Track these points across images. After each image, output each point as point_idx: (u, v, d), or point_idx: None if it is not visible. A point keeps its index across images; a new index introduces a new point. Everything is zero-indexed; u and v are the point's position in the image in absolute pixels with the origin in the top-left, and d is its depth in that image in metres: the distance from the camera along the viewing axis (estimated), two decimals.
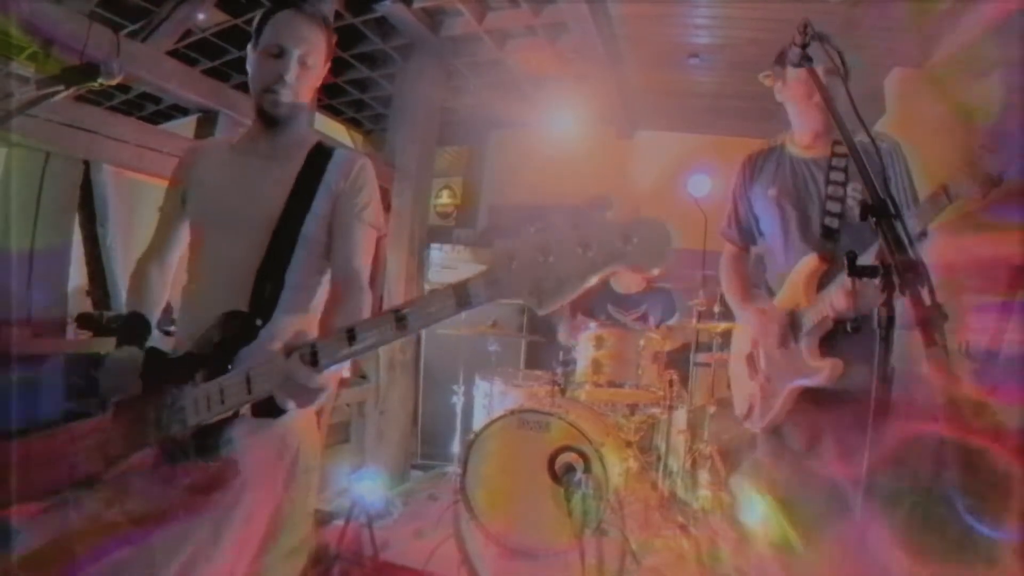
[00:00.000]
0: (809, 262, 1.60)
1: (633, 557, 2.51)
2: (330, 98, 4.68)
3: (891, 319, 0.95)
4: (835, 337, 1.54)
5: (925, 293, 0.90)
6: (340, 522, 2.36)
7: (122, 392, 1.18)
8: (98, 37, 2.00)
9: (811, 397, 1.59)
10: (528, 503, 2.57)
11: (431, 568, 2.46)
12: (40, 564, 1.04)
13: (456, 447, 3.50)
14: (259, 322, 1.17)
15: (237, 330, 1.14)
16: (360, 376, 3.85)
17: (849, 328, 1.12)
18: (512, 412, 2.74)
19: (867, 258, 1.14)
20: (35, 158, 1.90)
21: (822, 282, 1.57)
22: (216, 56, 3.79)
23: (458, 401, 3.62)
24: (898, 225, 0.99)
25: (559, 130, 4.65)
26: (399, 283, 3.83)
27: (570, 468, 2.49)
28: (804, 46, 1.33)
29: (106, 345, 1.66)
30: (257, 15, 1.33)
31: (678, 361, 3.34)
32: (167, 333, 1.51)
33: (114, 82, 1.24)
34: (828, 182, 1.62)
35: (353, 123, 5.25)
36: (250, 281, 1.19)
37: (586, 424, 2.63)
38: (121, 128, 2.16)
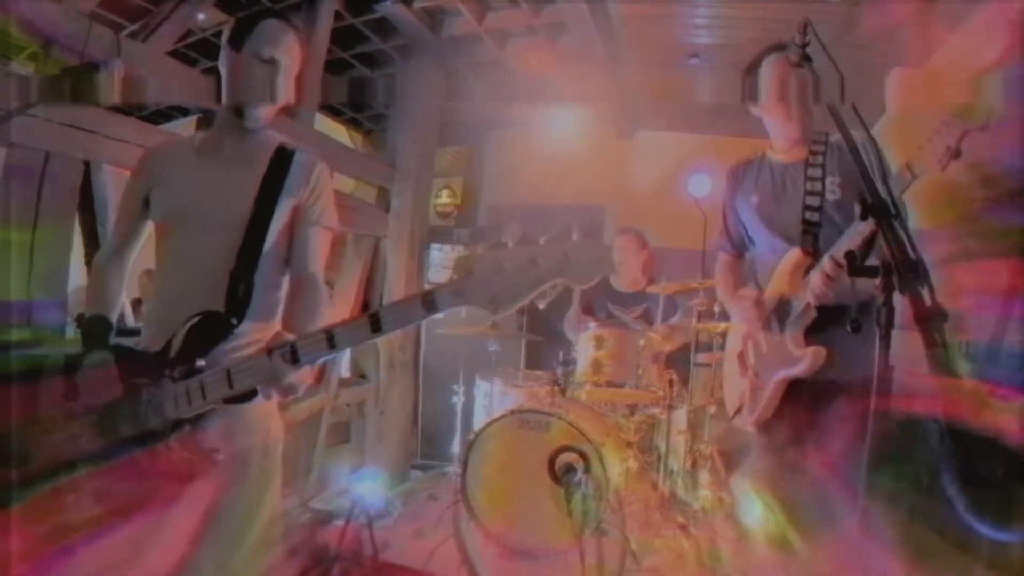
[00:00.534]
0: (794, 255, 1.64)
1: (633, 557, 2.51)
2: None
3: (891, 318, 0.95)
4: (825, 331, 1.57)
5: (925, 292, 0.91)
6: (340, 522, 2.37)
7: (102, 395, 1.19)
8: (98, 37, 2.00)
9: (799, 391, 1.62)
10: (528, 503, 2.57)
11: (431, 568, 2.46)
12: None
13: (456, 447, 3.50)
14: (234, 321, 1.22)
15: (214, 329, 1.19)
16: (360, 376, 3.85)
17: (850, 327, 1.12)
18: (512, 412, 2.74)
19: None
20: (35, 158, 1.90)
21: (805, 275, 1.60)
22: (216, 56, 3.78)
23: (458, 401, 3.62)
24: (898, 225, 0.99)
25: (559, 130, 4.65)
26: (399, 283, 3.83)
27: (570, 468, 2.49)
28: (804, 46, 1.34)
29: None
30: (235, 18, 1.37)
31: (678, 361, 3.34)
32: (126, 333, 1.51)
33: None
34: (807, 179, 1.67)
35: (353, 123, 5.25)
36: (222, 282, 1.23)
37: (586, 424, 2.63)
38: (121, 128, 2.15)
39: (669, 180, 4.26)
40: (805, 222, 1.64)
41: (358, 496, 2.45)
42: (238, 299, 1.23)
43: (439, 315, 1.05)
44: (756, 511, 1.78)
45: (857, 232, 1.32)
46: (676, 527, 2.81)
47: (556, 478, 2.51)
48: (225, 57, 1.35)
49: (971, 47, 2.64)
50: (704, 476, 3.12)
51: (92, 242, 2.64)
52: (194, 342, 1.17)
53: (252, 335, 1.27)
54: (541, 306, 4.80)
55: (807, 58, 1.34)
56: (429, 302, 1.01)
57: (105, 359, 1.21)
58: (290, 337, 1.09)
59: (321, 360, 1.09)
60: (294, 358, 1.06)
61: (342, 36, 3.68)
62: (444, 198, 5.44)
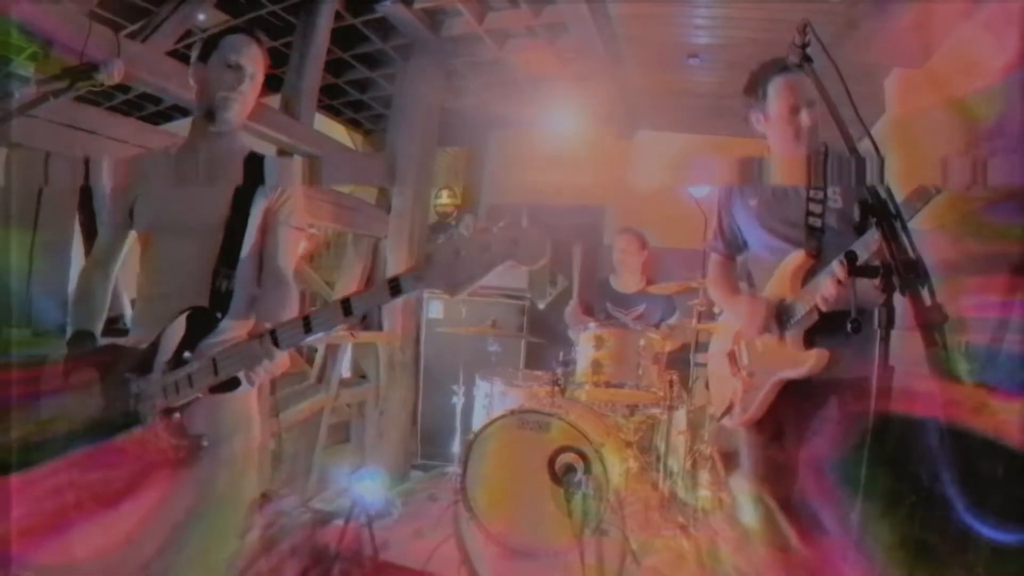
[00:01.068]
0: (796, 258, 1.64)
1: (633, 557, 2.51)
2: (330, 98, 4.68)
3: (891, 319, 0.95)
4: (818, 332, 1.57)
5: (925, 293, 0.91)
6: (340, 522, 2.36)
7: (93, 409, 1.27)
8: (98, 37, 2.00)
9: (793, 391, 1.62)
10: (528, 503, 2.57)
11: (431, 568, 2.46)
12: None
13: (456, 447, 3.50)
14: (218, 315, 1.32)
15: (201, 324, 1.28)
16: (360, 376, 3.85)
17: (850, 328, 1.12)
18: (512, 412, 2.75)
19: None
20: (35, 158, 1.90)
21: (806, 279, 1.60)
22: None
23: (458, 401, 3.62)
24: (898, 225, 0.99)
25: (559, 130, 4.65)
26: None
27: (570, 468, 2.49)
28: (804, 46, 1.34)
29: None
30: (202, 36, 1.43)
31: (678, 361, 3.34)
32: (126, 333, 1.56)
33: (114, 82, 1.26)
34: (809, 186, 1.66)
35: (353, 123, 5.26)
36: (206, 281, 1.33)
37: (586, 424, 2.63)
38: (121, 128, 2.16)
39: (669, 180, 4.26)
40: (808, 227, 1.64)
41: (358, 496, 2.44)
42: (221, 295, 1.33)
43: (404, 297, 1.14)
44: (751, 510, 1.78)
45: (873, 240, 1.31)
46: (676, 527, 2.81)
47: (556, 478, 2.52)
48: (194, 72, 1.46)
49: (971, 48, 2.64)
50: (704, 476, 3.13)
51: (92, 242, 2.64)
52: (181, 337, 1.26)
53: (234, 331, 1.36)
54: (541, 306, 4.83)
55: (807, 59, 1.35)
56: (394, 286, 1.11)
57: (91, 377, 1.29)
58: (269, 326, 1.19)
59: (300, 342, 1.19)
60: (276, 343, 1.16)
61: (342, 36, 3.68)
62: (444, 198, 5.44)
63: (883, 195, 1.03)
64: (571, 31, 3.49)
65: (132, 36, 2.45)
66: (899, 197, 1.57)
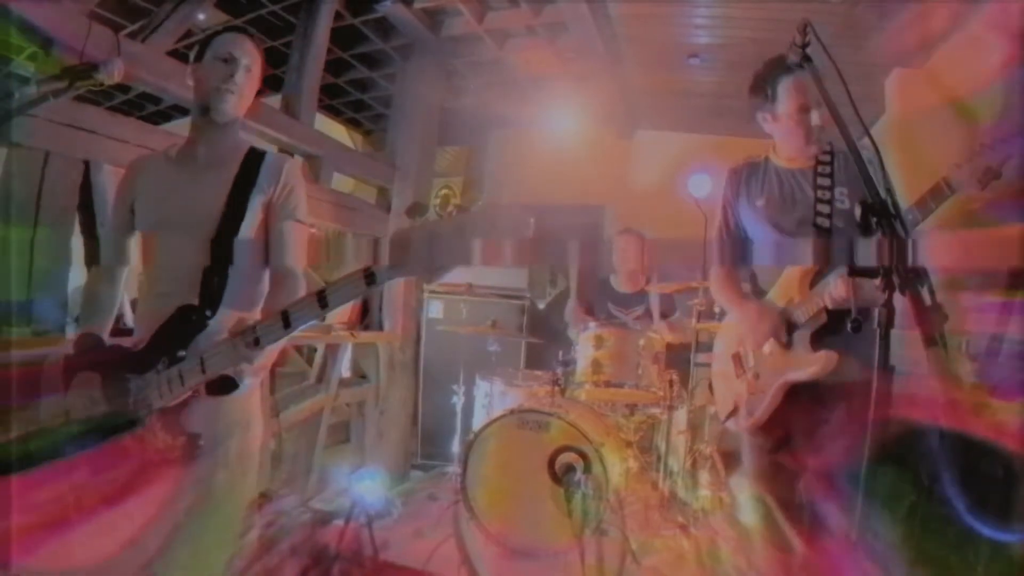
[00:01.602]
0: None
1: (633, 557, 2.51)
2: (330, 98, 4.68)
3: (891, 319, 0.95)
4: (825, 334, 1.57)
5: (925, 293, 0.91)
6: (340, 522, 2.36)
7: (94, 410, 1.27)
8: (98, 37, 2.00)
9: (797, 392, 1.62)
10: (528, 503, 2.57)
11: (431, 568, 2.46)
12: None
13: (456, 447, 3.50)
14: (208, 313, 1.31)
15: (191, 321, 1.29)
16: (360, 376, 3.85)
17: (850, 327, 1.12)
18: (512, 412, 2.74)
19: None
20: (35, 158, 1.90)
21: (814, 280, 1.60)
22: None
23: (458, 401, 3.62)
24: (898, 225, 0.99)
25: (559, 130, 4.65)
26: (398, 282, 3.83)
27: (570, 468, 2.49)
28: (804, 46, 1.34)
29: None
30: (202, 36, 1.48)
31: (678, 361, 3.34)
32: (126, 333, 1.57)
33: (114, 82, 1.26)
34: (816, 187, 1.67)
35: (353, 123, 5.26)
36: (199, 278, 1.33)
37: (586, 424, 2.63)
38: (121, 128, 2.16)
39: (669, 180, 4.26)
40: (816, 228, 1.64)
41: (358, 496, 2.45)
42: (211, 292, 1.32)
43: (378, 286, 1.13)
44: (751, 511, 1.78)
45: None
46: (676, 527, 2.81)
47: (556, 478, 2.51)
48: (192, 72, 1.46)
49: (971, 48, 2.64)
50: (704, 476, 3.13)
51: (92, 242, 2.64)
52: (172, 335, 1.27)
53: (230, 325, 1.35)
54: (541, 306, 4.83)
55: (807, 58, 1.34)
56: (369, 276, 1.11)
57: (92, 378, 1.29)
58: (251, 322, 1.20)
59: (280, 340, 1.18)
60: (256, 341, 1.16)
61: (342, 36, 3.68)
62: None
63: (883, 195, 1.03)
64: (571, 31, 3.49)
65: (132, 36, 2.45)
66: (899, 197, 1.58)
